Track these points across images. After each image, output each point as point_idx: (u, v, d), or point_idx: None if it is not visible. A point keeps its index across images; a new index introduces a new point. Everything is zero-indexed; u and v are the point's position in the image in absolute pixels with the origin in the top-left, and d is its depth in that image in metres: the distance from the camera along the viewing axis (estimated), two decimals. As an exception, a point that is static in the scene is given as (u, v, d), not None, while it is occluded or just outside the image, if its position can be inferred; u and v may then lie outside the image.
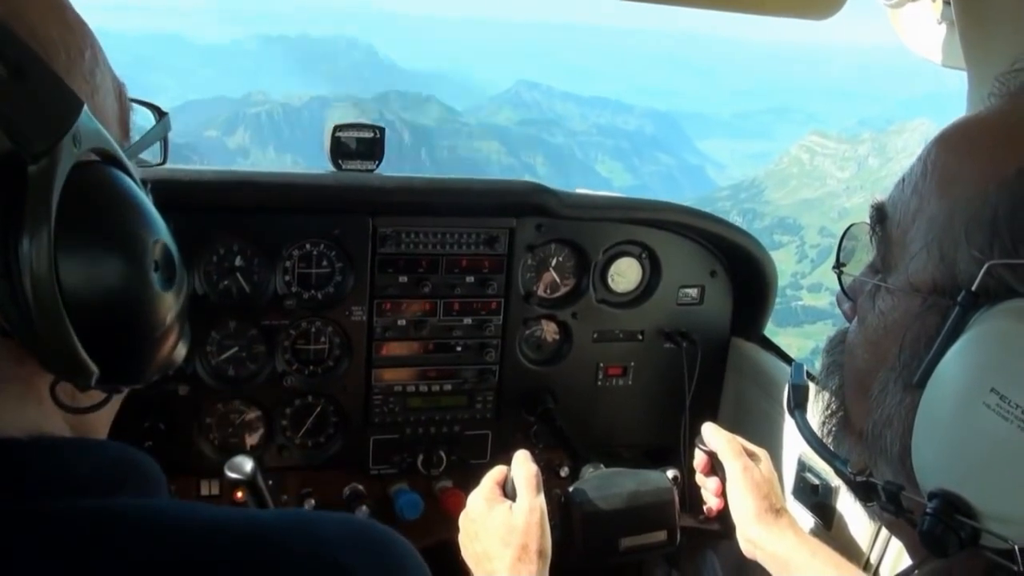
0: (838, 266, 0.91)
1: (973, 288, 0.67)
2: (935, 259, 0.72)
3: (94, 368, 0.69)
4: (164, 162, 1.01)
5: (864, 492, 0.82)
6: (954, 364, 0.68)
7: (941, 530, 0.69)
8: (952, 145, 0.77)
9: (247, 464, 1.64)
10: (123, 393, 0.80)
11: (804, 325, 66.23)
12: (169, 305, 0.76)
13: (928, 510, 0.70)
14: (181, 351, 0.83)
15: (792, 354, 2.33)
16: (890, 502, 0.78)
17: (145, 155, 0.91)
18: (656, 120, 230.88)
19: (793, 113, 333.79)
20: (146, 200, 0.76)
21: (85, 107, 0.68)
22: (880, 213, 0.82)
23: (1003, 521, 0.67)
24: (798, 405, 1.00)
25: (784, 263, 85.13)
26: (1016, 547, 0.66)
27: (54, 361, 0.67)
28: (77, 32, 0.74)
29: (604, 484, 1.76)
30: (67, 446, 0.71)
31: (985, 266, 0.66)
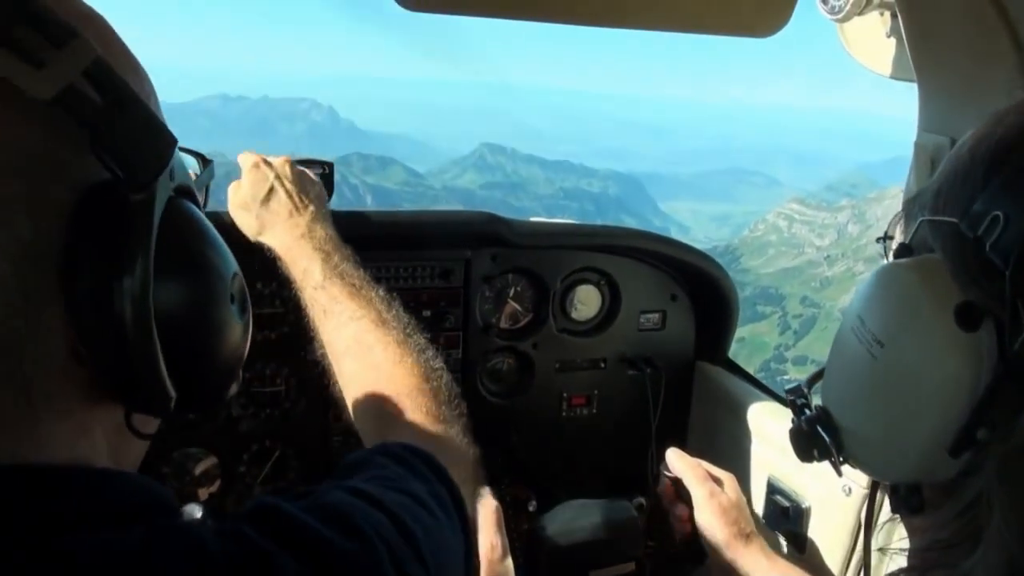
0: (885, 239, 0.97)
1: (906, 241, 0.77)
2: (911, 226, 0.82)
3: (173, 393, 0.70)
4: (204, 206, 1.02)
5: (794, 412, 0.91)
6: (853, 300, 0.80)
7: (804, 435, 0.81)
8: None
9: (196, 513, 1.58)
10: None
11: (793, 403, 65.66)
12: (241, 335, 0.80)
13: (802, 418, 0.82)
14: (237, 383, 0.85)
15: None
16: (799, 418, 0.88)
17: None
18: (619, 182, 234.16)
19: (752, 176, 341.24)
20: (219, 236, 0.78)
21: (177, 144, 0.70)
22: (915, 198, 0.90)
23: (856, 436, 0.76)
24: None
25: (767, 335, 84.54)
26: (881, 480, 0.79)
27: (140, 387, 0.68)
28: (144, 78, 0.76)
29: (570, 517, 1.72)
30: (108, 475, 0.70)
31: (917, 221, 0.76)
